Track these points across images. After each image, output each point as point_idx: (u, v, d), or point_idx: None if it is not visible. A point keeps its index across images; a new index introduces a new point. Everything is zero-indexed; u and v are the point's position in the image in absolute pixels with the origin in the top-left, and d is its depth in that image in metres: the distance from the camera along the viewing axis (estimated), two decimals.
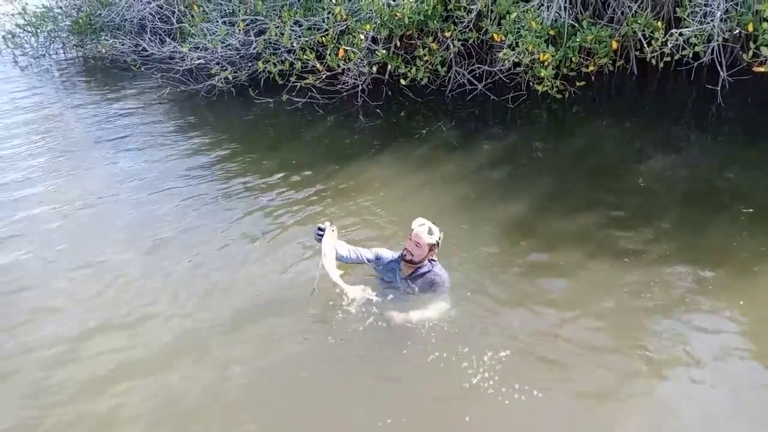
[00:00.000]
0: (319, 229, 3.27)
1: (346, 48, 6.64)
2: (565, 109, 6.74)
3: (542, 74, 6.28)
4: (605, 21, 6.66)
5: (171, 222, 4.52)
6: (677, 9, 6.10)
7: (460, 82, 7.13)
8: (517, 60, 6.40)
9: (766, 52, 5.35)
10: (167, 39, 8.31)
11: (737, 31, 5.88)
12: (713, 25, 5.71)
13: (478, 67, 7.07)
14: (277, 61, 7.08)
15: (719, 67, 6.18)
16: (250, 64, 7.61)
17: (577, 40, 6.24)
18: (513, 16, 6.22)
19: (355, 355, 3.13)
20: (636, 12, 6.41)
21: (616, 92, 7.24)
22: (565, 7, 6.32)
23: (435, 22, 6.52)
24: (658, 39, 5.95)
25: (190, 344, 3.25)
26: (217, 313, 3.46)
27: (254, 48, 7.32)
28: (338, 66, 6.76)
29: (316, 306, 3.38)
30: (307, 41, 6.95)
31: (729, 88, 6.20)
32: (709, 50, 5.92)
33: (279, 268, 3.84)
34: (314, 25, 7.05)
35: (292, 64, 7.00)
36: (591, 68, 6.56)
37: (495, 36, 6.44)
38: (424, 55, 6.73)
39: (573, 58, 6.42)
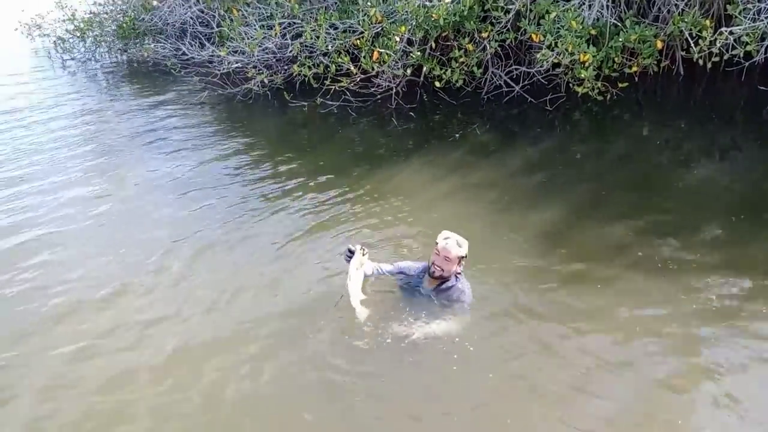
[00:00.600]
0: (349, 250, 3.22)
1: (381, 50, 6.59)
2: (606, 111, 6.51)
3: (582, 75, 6.08)
4: (650, 20, 6.40)
5: (203, 221, 4.59)
6: (728, 6, 5.79)
7: (497, 84, 6.99)
8: (556, 61, 6.21)
9: None
10: (206, 43, 8.47)
11: None
12: (767, 23, 5.39)
13: (516, 69, 6.91)
14: (312, 65, 7.10)
15: None
16: (286, 68, 7.66)
17: (620, 39, 6.00)
18: (552, 15, 6.04)
19: (374, 368, 3.05)
20: (683, 10, 6.12)
21: (661, 94, 6.95)
22: (607, 6, 6.10)
23: (472, 22, 6.40)
24: (706, 38, 5.67)
25: (216, 343, 3.27)
26: (240, 316, 3.47)
27: (290, 51, 7.37)
28: (372, 69, 6.72)
29: (340, 312, 3.34)
30: (341, 44, 6.94)
31: None
32: (762, 49, 5.60)
33: (304, 272, 3.84)
34: (349, 27, 7.04)
35: (327, 67, 7.00)
36: (634, 69, 6.31)
37: (533, 36, 6.27)
38: (460, 56, 6.62)
39: (615, 59, 6.19)
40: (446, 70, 6.68)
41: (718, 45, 5.62)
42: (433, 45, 6.86)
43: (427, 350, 3.08)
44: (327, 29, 7.00)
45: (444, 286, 3.25)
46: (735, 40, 5.56)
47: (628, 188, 4.84)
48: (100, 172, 5.66)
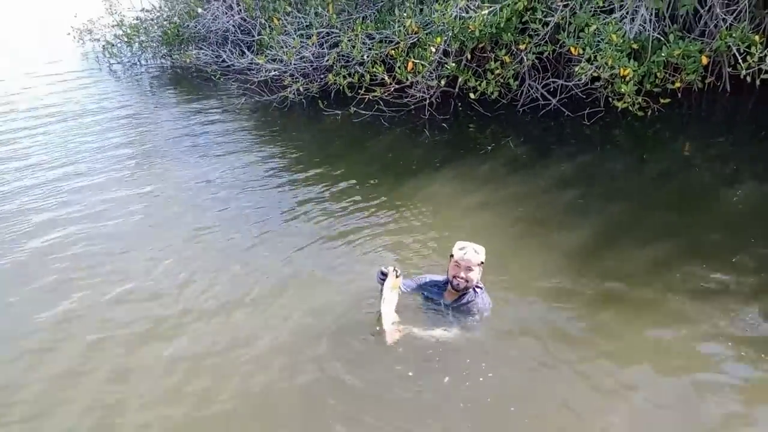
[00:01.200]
0: (382, 273, 3.15)
1: (415, 61, 6.58)
2: (646, 127, 6.30)
3: (623, 90, 5.91)
4: (696, 34, 6.19)
5: (232, 224, 4.68)
6: None
7: (533, 97, 6.87)
8: (595, 74, 6.06)
9: None
10: (246, 51, 8.63)
11: None
12: None
13: (553, 82, 6.78)
14: (348, 74, 7.13)
15: None
16: (321, 77, 7.73)
17: (663, 54, 5.82)
18: (592, 28, 5.92)
19: (395, 377, 3.01)
20: (731, 24, 5.90)
21: (706, 111, 6.70)
22: (650, 20, 5.93)
23: (509, 34, 6.32)
24: (755, 54, 5.44)
25: (237, 342, 3.33)
26: (264, 316, 3.52)
27: (327, 60, 7.43)
28: (407, 79, 6.71)
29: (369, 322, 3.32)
30: (377, 54, 6.96)
31: None
32: None
33: (331, 278, 3.86)
34: (386, 38, 7.05)
35: (361, 76, 7.03)
36: (677, 85, 6.11)
37: (572, 49, 6.15)
38: (496, 68, 6.54)
39: (658, 74, 6.01)
40: (481, 82, 6.61)
41: None
42: (469, 56, 6.80)
43: (441, 365, 3.03)
44: (363, 39, 7.03)
45: (465, 299, 3.19)
46: None
47: (668, 208, 4.66)
48: (139, 173, 5.82)
